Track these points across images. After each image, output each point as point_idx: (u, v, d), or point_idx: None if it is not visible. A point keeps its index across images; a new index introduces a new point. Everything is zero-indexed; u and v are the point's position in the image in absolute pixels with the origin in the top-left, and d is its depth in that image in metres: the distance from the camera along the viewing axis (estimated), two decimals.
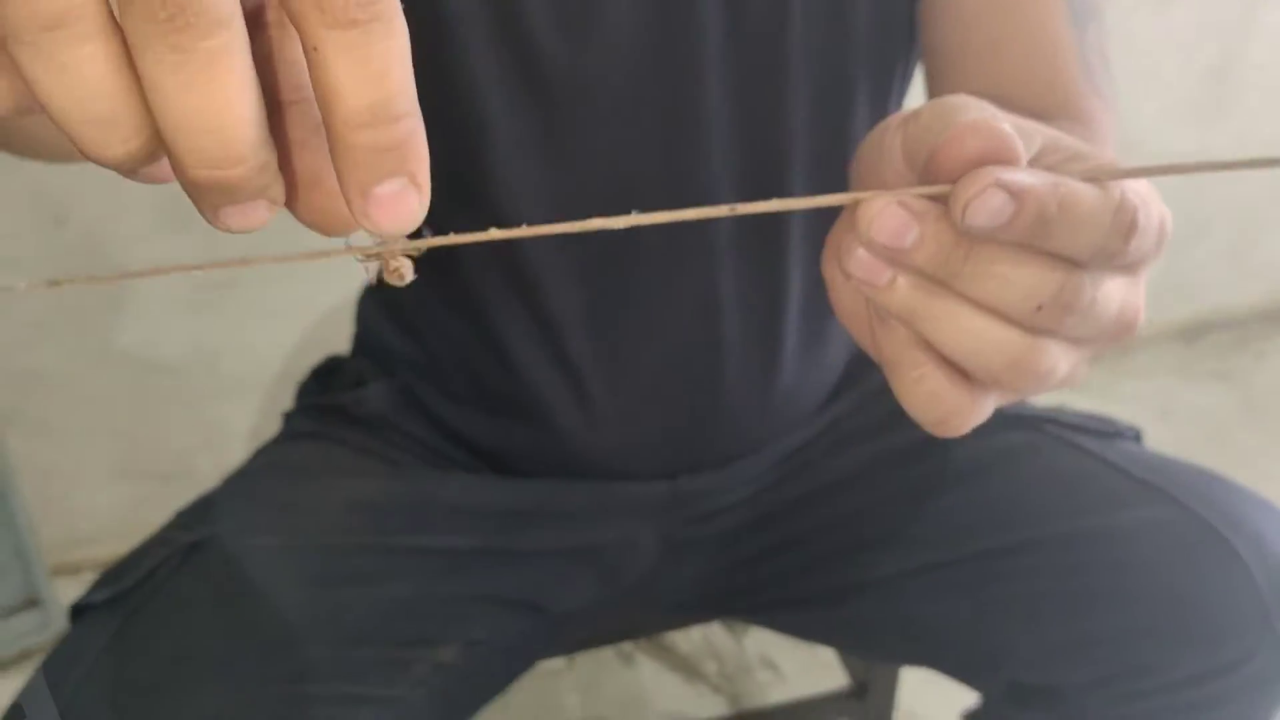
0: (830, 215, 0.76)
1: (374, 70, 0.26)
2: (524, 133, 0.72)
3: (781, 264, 0.78)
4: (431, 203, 0.74)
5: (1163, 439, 1.91)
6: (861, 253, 0.34)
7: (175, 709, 0.67)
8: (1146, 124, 1.93)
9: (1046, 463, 0.82)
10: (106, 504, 1.70)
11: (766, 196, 0.73)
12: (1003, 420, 0.85)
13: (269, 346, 1.63)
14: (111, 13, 0.26)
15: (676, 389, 0.80)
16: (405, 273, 0.32)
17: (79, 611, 0.75)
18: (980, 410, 0.37)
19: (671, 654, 1.55)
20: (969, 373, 0.36)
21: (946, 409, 0.37)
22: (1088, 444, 0.83)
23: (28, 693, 0.69)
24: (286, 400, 0.95)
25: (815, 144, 0.75)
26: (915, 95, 0.81)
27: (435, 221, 0.77)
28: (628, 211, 0.72)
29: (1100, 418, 0.87)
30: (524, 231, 0.32)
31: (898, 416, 0.87)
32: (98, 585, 0.76)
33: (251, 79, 0.27)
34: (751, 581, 0.91)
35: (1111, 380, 2.13)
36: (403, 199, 0.28)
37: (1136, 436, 0.87)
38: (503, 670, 0.88)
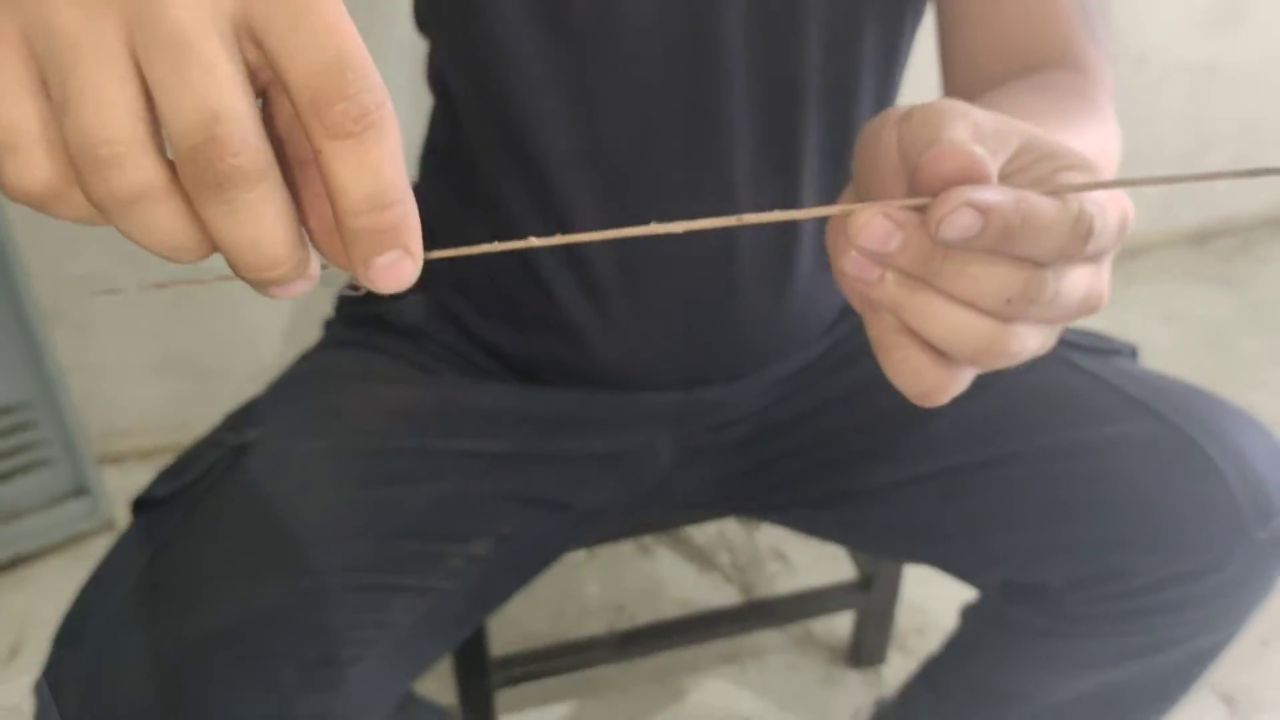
0: (840, 147, 0.81)
1: (369, 170, 0.32)
2: (551, 70, 0.76)
3: (795, 192, 0.82)
4: (469, 131, 0.79)
5: (1166, 342, 1.97)
6: (854, 254, 0.40)
7: (230, 596, 0.73)
8: (1159, 34, 1.94)
9: (1040, 378, 0.87)
10: (147, 399, 1.76)
11: (784, 129, 0.78)
12: None
13: None
14: (172, 174, 0.31)
15: (693, 309, 0.85)
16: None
17: (140, 505, 0.81)
18: (958, 384, 0.43)
19: (687, 546, 1.61)
20: (947, 354, 0.41)
21: (928, 384, 0.42)
22: (1083, 361, 0.87)
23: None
24: (318, 304, 0.99)
25: (828, 79, 0.79)
26: (926, 33, 0.85)
27: (473, 147, 0.82)
28: (650, 143, 0.77)
29: (1097, 335, 0.91)
30: (518, 244, 0.38)
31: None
32: (157, 482, 0.81)
33: (285, 207, 0.32)
34: (760, 485, 0.97)
35: (1118, 284, 2.16)
36: (398, 266, 0.34)
37: (1133, 353, 0.91)
38: (530, 563, 0.95)
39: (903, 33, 0.82)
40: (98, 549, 1.59)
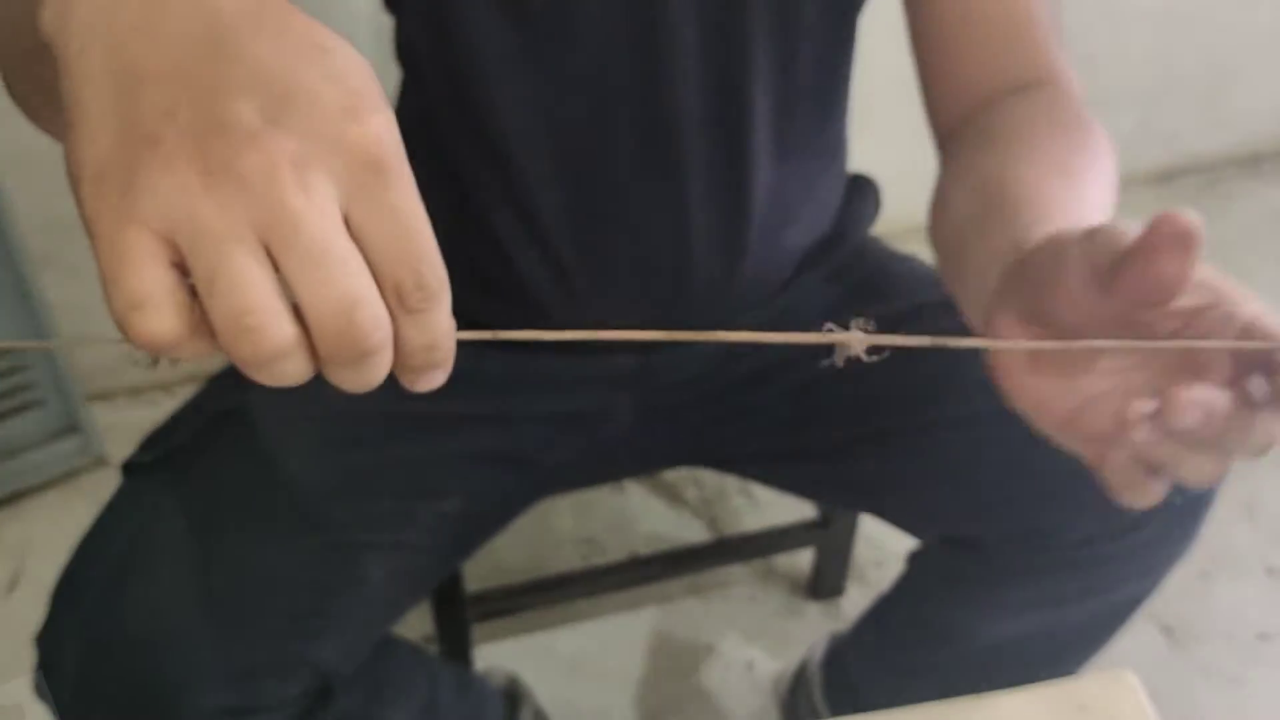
0: (784, 125, 0.84)
1: (429, 330, 0.38)
2: (510, 50, 0.79)
3: (746, 167, 0.85)
4: (435, 106, 0.82)
5: None
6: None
7: (218, 555, 0.79)
8: None
9: None
10: None
11: (732, 108, 0.82)
12: (947, 304, 0.95)
13: None
14: (303, 330, 0.36)
15: (648, 276, 0.88)
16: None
17: (130, 468, 0.86)
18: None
19: (656, 482, 1.68)
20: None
21: (1153, 498, 0.47)
22: None
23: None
24: None
25: (773, 59, 0.82)
26: (877, 31, 0.88)
27: (439, 121, 0.85)
28: (605, 119, 0.80)
29: None
30: (532, 335, 0.42)
31: (849, 298, 0.96)
32: (145, 446, 0.87)
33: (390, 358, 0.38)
34: (716, 441, 1.03)
35: None
36: (437, 379, 0.40)
37: None
38: (498, 516, 1.00)
39: (846, 10, 0.85)
40: (90, 484, 1.65)
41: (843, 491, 1.03)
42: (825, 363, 0.43)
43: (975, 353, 0.92)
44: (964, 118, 0.80)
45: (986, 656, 1.01)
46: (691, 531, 1.60)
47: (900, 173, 1.19)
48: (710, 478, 1.67)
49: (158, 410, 1.80)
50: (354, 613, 0.83)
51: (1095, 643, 1.00)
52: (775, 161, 0.87)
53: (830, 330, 0.42)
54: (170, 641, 0.75)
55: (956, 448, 0.90)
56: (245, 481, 0.83)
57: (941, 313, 0.94)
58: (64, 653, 0.78)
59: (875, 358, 0.42)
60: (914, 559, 1.08)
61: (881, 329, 0.97)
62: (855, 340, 0.42)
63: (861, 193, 1.02)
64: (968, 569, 0.97)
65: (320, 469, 0.85)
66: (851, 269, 1.00)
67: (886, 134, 1.43)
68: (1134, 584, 0.92)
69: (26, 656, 1.32)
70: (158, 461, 0.85)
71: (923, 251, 0.96)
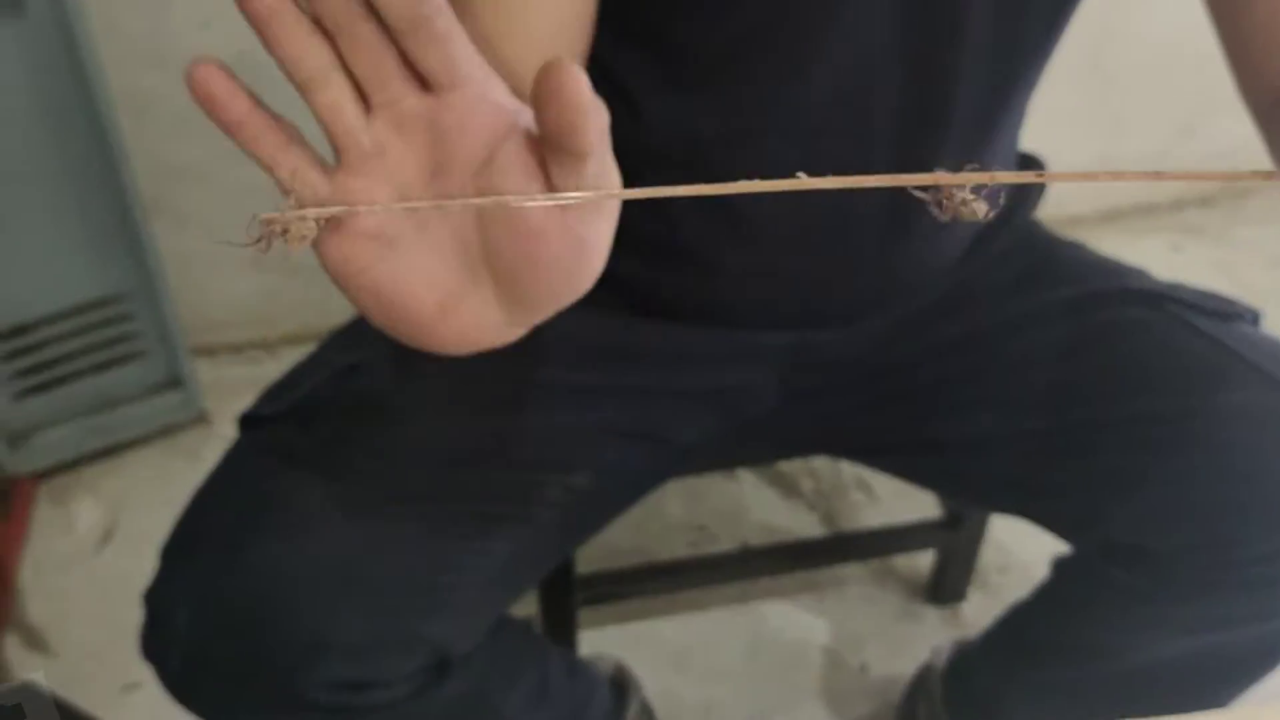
0: (989, 101, 0.78)
1: None
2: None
3: (937, 142, 0.80)
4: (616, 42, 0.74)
5: (1272, 286, 1.92)
6: None
7: (339, 518, 0.74)
8: None
9: (1160, 339, 0.85)
10: (240, 293, 1.78)
11: (934, 86, 0.76)
12: (1124, 296, 0.88)
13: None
14: None
15: (812, 251, 0.83)
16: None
17: (247, 422, 0.82)
18: None
19: (771, 471, 1.61)
20: None
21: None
22: (1203, 324, 0.85)
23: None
24: None
25: (993, 39, 0.77)
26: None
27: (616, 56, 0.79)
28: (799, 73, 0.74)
29: (1220, 297, 0.88)
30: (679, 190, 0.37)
31: (1017, 283, 0.90)
32: (265, 399, 0.82)
33: None
34: (862, 428, 0.96)
35: (1226, 225, 2.11)
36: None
37: (1255, 319, 0.88)
38: (625, 494, 0.95)
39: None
40: (189, 440, 1.63)
41: (998, 489, 0.96)
42: (933, 212, 0.41)
43: (1155, 350, 0.86)
44: None
45: (1134, 680, 0.94)
46: (806, 525, 1.54)
47: (1075, 160, 1.12)
48: (827, 470, 1.60)
49: (260, 369, 1.78)
50: (476, 589, 0.79)
51: (1254, 674, 0.92)
52: (966, 137, 0.81)
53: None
54: (291, 609, 0.70)
55: (1134, 447, 0.83)
56: (370, 442, 0.78)
57: (1113, 301, 0.88)
58: (175, 612, 0.73)
59: (984, 215, 0.40)
60: (1062, 567, 1.00)
61: (1047, 318, 0.91)
62: (960, 180, 0.40)
63: (1028, 167, 0.95)
64: (1128, 581, 0.89)
65: (449, 433, 0.80)
66: (1018, 252, 0.94)
67: (1049, 117, 1.35)
68: None
69: (115, 609, 1.30)
70: (278, 416, 0.80)
71: (1097, 237, 0.90)
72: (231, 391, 1.73)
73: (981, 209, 0.40)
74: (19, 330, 1.45)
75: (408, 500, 0.76)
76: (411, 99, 0.44)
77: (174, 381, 1.61)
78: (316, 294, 1.80)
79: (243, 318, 1.80)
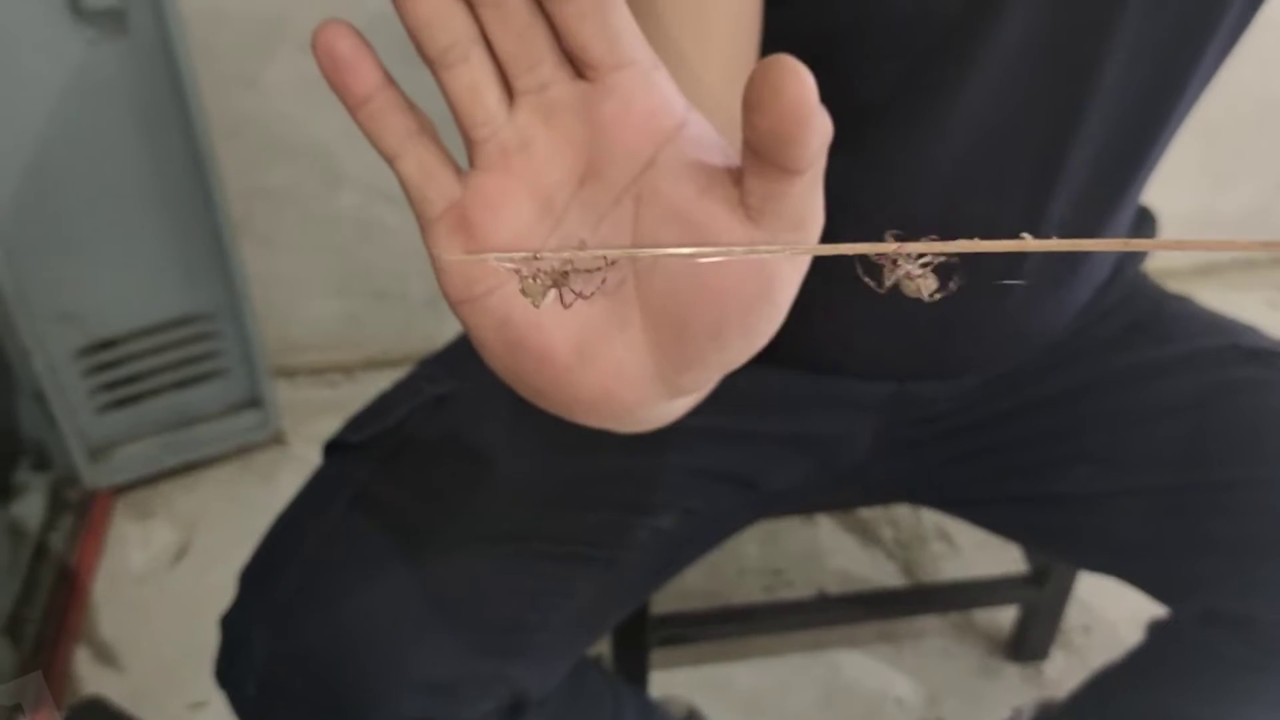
0: (1100, 185, 0.76)
1: None
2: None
3: (1045, 206, 0.77)
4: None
5: None
6: None
7: (425, 553, 0.72)
8: None
9: (1276, 401, 0.82)
10: (322, 316, 1.78)
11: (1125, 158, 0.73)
12: (1235, 353, 0.85)
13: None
14: None
15: (922, 307, 0.80)
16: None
17: (333, 448, 0.81)
18: None
19: (850, 517, 1.58)
20: None
21: None
22: None
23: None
24: None
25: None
26: None
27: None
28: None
29: None
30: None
31: (1124, 337, 0.87)
32: (352, 426, 0.81)
33: None
34: (957, 479, 0.93)
35: None
36: None
37: None
38: (710, 537, 0.93)
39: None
40: (264, 461, 1.63)
41: (1096, 548, 0.93)
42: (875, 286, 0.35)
43: (1273, 414, 0.82)
44: None
45: None
46: (884, 573, 1.50)
47: (1176, 212, 1.09)
48: (908, 518, 1.57)
49: (337, 392, 1.79)
50: (559, 631, 0.77)
51: None
52: (1075, 201, 0.78)
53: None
54: (372, 643, 0.69)
55: (1250, 512, 0.80)
56: (456, 477, 0.77)
57: (1225, 359, 0.85)
58: (253, 641, 0.72)
59: (930, 294, 0.35)
60: (1158, 632, 0.96)
61: (1155, 374, 0.88)
62: (906, 250, 0.34)
63: (1141, 225, 0.93)
64: (1230, 650, 0.85)
65: (536, 472, 0.78)
66: (1125, 306, 0.91)
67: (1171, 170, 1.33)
68: None
69: (185, 626, 1.30)
70: (365, 444, 0.79)
71: (1193, 291, 0.87)
72: (308, 414, 1.73)
73: (929, 286, 0.35)
74: (105, 344, 1.46)
75: (493, 540, 0.75)
76: (564, 84, 0.37)
77: (253, 401, 1.61)
78: (398, 319, 1.80)
79: (323, 340, 1.80)
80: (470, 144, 0.38)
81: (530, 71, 0.36)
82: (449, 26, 0.35)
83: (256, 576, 0.75)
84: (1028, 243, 0.33)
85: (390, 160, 0.37)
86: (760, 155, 0.32)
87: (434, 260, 0.38)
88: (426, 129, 0.37)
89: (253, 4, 1.46)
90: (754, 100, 0.30)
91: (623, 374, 0.39)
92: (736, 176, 0.34)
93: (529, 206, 0.37)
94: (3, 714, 0.68)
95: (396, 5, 0.35)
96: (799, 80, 0.30)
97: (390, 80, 0.36)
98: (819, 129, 0.31)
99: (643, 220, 0.37)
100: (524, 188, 0.37)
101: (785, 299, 0.37)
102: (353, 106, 0.36)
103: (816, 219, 0.35)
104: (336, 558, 0.72)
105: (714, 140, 0.37)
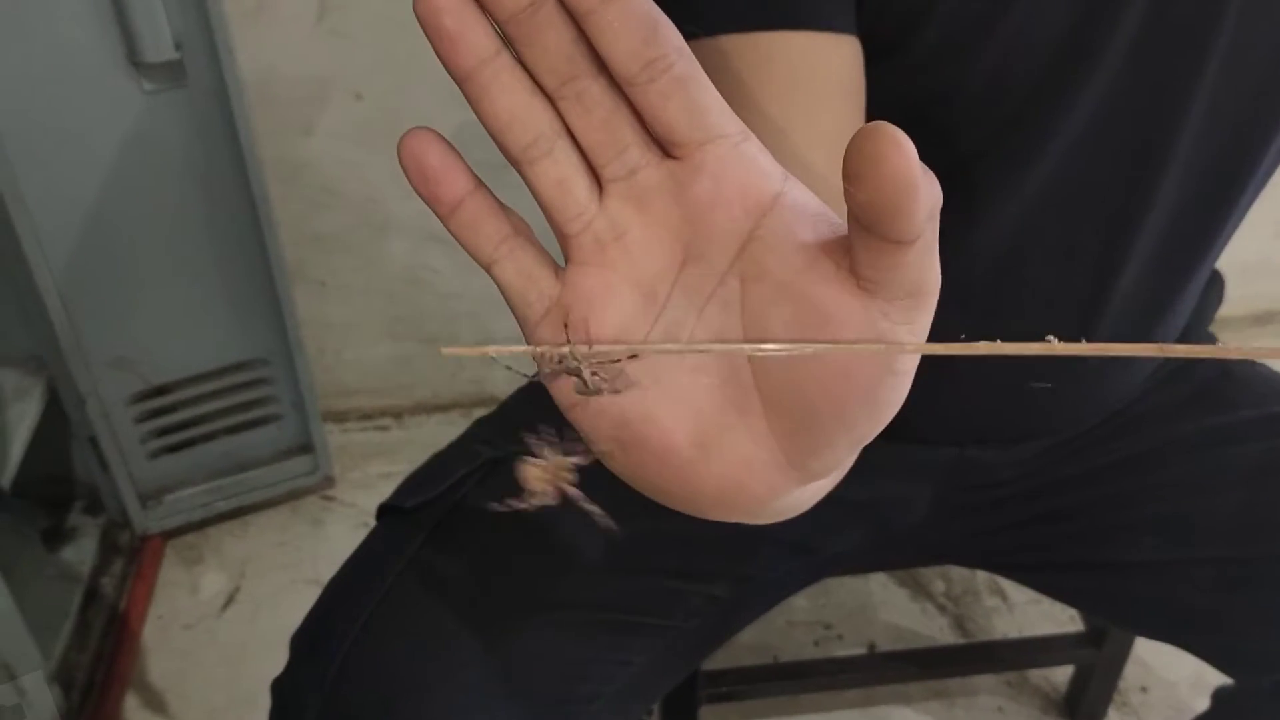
0: (1173, 253, 0.75)
1: None
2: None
3: (1115, 275, 0.76)
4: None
5: None
6: None
7: (478, 623, 0.72)
8: None
9: None
10: (373, 360, 1.78)
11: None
12: None
13: (544, 228, 1.68)
14: None
15: (986, 370, 0.79)
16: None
17: (386, 511, 0.80)
18: None
19: (902, 570, 1.56)
20: None
21: None
22: None
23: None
24: None
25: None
26: None
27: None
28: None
29: None
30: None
31: (1192, 403, 0.86)
32: (406, 490, 0.80)
33: None
34: (1015, 544, 0.92)
35: None
36: None
37: None
38: (763, 602, 0.91)
39: None
40: (313, 506, 1.64)
41: (1158, 617, 0.91)
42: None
43: None
44: None
45: None
46: (935, 628, 1.48)
47: (1235, 260, 1.07)
48: (959, 572, 1.55)
49: (387, 436, 1.79)
50: (611, 700, 0.76)
51: None
52: (1144, 269, 0.77)
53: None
54: (424, 716, 0.68)
55: None
56: (511, 543, 0.76)
57: None
58: (305, 708, 0.71)
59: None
60: (1225, 700, 0.94)
61: (1223, 441, 0.86)
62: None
63: (1209, 288, 0.91)
64: None
65: (594, 539, 0.77)
66: (1193, 369, 0.89)
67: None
68: None
69: (233, 673, 1.30)
70: (419, 509, 0.78)
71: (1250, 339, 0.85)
72: (357, 459, 1.74)
73: None
74: (159, 390, 1.46)
75: (548, 607, 0.74)
76: (652, 166, 0.35)
77: (303, 447, 1.61)
78: (447, 364, 1.80)
79: (373, 385, 1.80)
80: (563, 239, 0.37)
81: (618, 158, 0.35)
82: (531, 123, 0.34)
83: (309, 644, 0.75)
84: (1054, 346, 0.33)
85: (487, 267, 0.36)
86: (866, 227, 0.30)
87: (540, 369, 0.37)
88: (521, 230, 0.36)
89: (307, 54, 1.47)
90: (853, 172, 0.29)
91: (749, 464, 0.37)
92: (846, 244, 0.33)
93: (631, 298, 0.36)
94: (3, 713, 0.67)
95: (475, 109, 0.34)
96: (899, 149, 0.28)
97: (480, 184, 0.35)
98: (926, 196, 0.29)
99: (750, 299, 0.35)
100: (624, 279, 0.36)
101: (909, 368, 0.35)
102: (444, 216, 0.35)
103: (933, 285, 0.33)
104: (390, 630, 0.71)
105: (816, 207, 0.35)
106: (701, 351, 0.35)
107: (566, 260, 0.37)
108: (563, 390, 0.37)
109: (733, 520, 0.39)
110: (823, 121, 0.57)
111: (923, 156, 0.29)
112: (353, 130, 1.53)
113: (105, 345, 1.39)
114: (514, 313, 0.37)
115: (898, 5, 0.63)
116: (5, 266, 1.29)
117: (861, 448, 0.37)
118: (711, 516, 0.39)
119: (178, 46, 1.22)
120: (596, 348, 0.36)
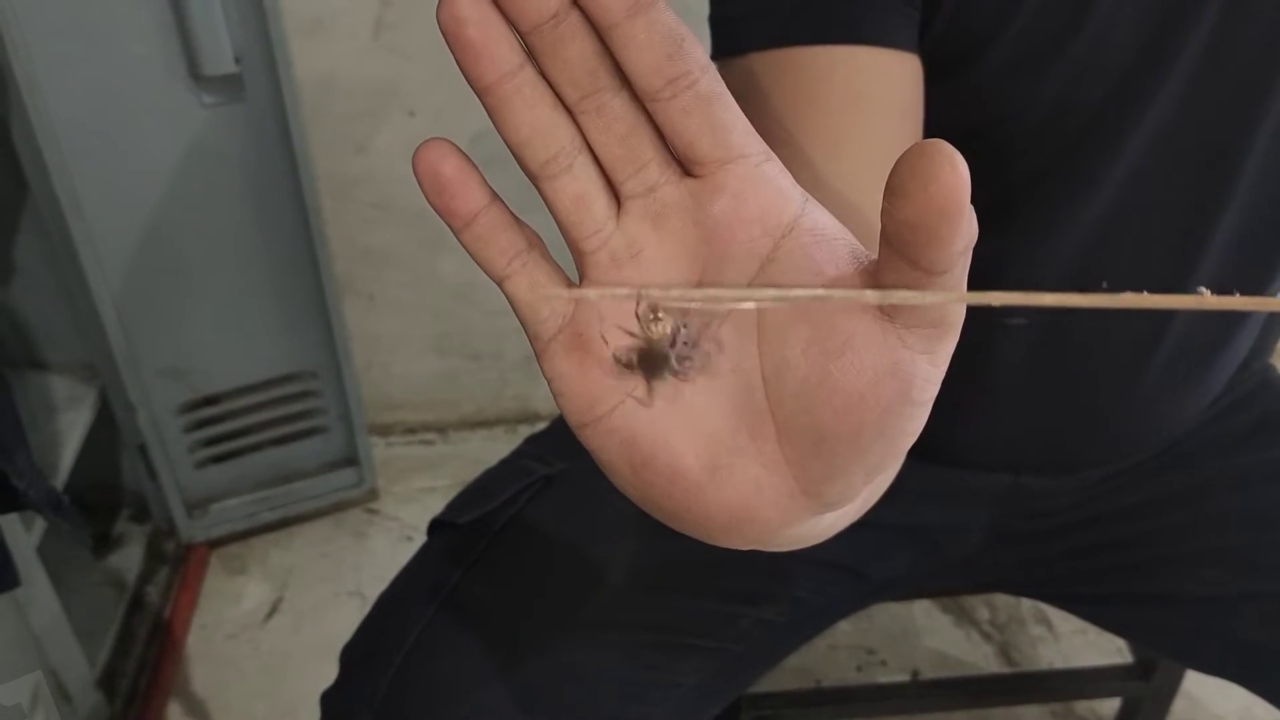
0: (1236, 277, 0.74)
1: None
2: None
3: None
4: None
5: None
6: None
7: (530, 641, 0.72)
8: None
9: None
10: (420, 374, 1.79)
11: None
12: None
13: (557, 241, 1.69)
14: None
15: (1044, 400, 0.79)
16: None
17: (437, 526, 0.80)
18: None
19: (946, 597, 1.55)
20: None
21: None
22: None
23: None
24: None
25: None
26: None
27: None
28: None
29: None
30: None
31: (1253, 433, 0.85)
32: (459, 505, 0.80)
33: None
34: (1069, 573, 0.91)
35: None
36: None
37: None
38: (812, 626, 0.91)
39: None
40: (356, 519, 1.64)
41: (1214, 652, 0.90)
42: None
43: None
44: None
45: None
46: (979, 656, 1.47)
47: None
48: (1004, 599, 1.54)
49: (431, 450, 1.79)
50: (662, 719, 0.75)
51: None
52: (1239, 286, 0.76)
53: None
54: None
55: None
56: (561, 561, 0.76)
57: None
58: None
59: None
60: None
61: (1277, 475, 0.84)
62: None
63: (1271, 318, 0.90)
64: None
65: (646, 556, 0.77)
66: (1252, 399, 0.88)
67: None
68: None
69: (275, 683, 1.30)
70: (470, 525, 0.78)
71: None
72: (402, 472, 1.74)
73: None
74: (208, 401, 1.47)
75: (599, 627, 0.74)
76: (672, 184, 0.35)
77: (349, 459, 1.62)
78: (493, 379, 1.81)
79: (419, 399, 1.81)
80: (579, 256, 0.36)
81: (637, 175, 0.35)
82: (551, 139, 0.34)
83: (360, 659, 0.75)
84: (1206, 299, 0.29)
85: (499, 282, 0.36)
86: (899, 251, 0.29)
87: (551, 383, 0.37)
88: (535, 245, 0.36)
89: (364, 70, 1.49)
90: (899, 186, 0.27)
91: (761, 490, 0.35)
92: (869, 269, 0.32)
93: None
94: (4, 713, 0.68)
95: (495, 122, 0.34)
96: (954, 170, 0.27)
97: (496, 197, 0.35)
98: (965, 230, 0.28)
99: (767, 320, 0.34)
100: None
101: (927, 398, 0.33)
102: (458, 229, 0.35)
103: (956, 318, 0.32)
104: (441, 647, 0.71)
105: (836, 230, 0.35)
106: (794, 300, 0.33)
107: (581, 277, 0.37)
108: (575, 406, 0.36)
109: (744, 547, 0.38)
110: (878, 139, 0.57)
111: (975, 181, 0.28)
112: (405, 147, 1.54)
113: (157, 355, 1.41)
114: (525, 330, 0.37)
115: (971, 22, 0.63)
116: (61, 275, 1.31)
117: (878, 477, 0.36)
118: (721, 542, 0.38)
119: (238, 60, 1.23)
120: (707, 291, 0.34)
